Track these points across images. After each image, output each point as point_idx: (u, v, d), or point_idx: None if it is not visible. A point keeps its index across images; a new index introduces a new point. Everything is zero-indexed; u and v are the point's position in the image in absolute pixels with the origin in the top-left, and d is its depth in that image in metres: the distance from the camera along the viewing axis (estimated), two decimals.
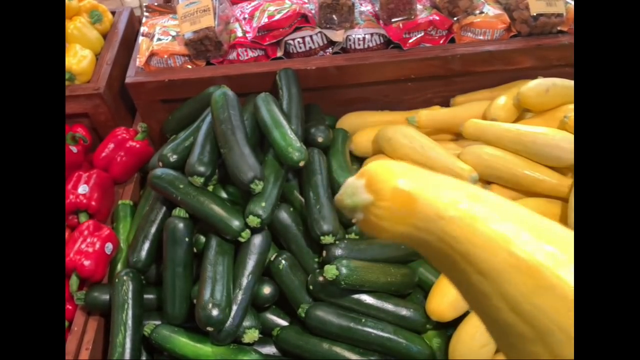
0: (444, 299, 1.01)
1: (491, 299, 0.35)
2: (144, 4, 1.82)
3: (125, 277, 1.03)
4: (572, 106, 1.15)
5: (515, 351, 0.36)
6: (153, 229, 1.09)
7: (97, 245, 1.06)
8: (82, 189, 1.18)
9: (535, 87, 1.16)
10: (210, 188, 1.09)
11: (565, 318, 0.33)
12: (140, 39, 1.38)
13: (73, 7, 1.44)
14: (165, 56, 1.30)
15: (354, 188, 0.39)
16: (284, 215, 1.07)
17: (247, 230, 1.00)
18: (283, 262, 1.04)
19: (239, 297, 0.97)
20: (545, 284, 0.33)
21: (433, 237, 0.37)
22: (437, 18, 1.27)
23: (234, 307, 0.96)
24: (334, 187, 1.11)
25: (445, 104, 1.37)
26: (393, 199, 0.37)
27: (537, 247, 0.34)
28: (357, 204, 0.39)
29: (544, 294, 0.33)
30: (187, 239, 1.02)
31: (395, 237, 0.39)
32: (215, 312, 0.91)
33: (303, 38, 1.30)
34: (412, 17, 1.28)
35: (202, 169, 1.03)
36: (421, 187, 0.38)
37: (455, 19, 1.29)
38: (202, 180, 1.03)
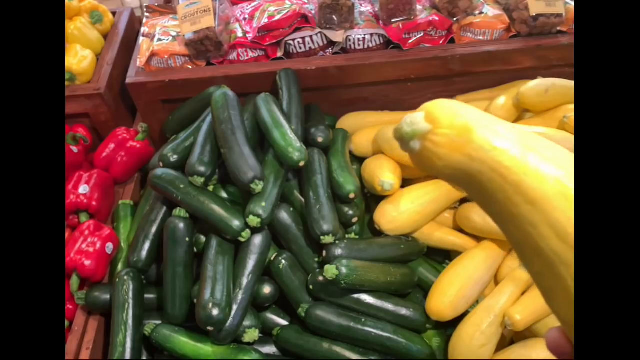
0: (444, 298, 1.01)
1: (538, 227, 0.37)
2: (145, 5, 1.83)
3: (125, 277, 1.03)
4: (571, 106, 1.15)
5: (560, 281, 0.37)
6: (153, 229, 1.10)
7: (98, 245, 1.06)
8: (83, 189, 1.19)
9: (534, 87, 1.16)
10: (210, 188, 1.10)
11: None
12: (141, 39, 1.38)
13: (73, 8, 1.44)
14: (166, 56, 1.30)
15: (414, 118, 0.41)
16: (284, 215, 1.07)
17: (247, 230, 1.00)
18: (283, 262, 1.04)
19: (239, 296, 0.98)
20: None
21: (486, 167, 0.39)
22: (437, 18, 1.28)
23: (234, 307, 0.96)
24: (334, 187, 1.11)
25: None
26: (451, 127, 0.40)
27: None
28: (416, 131, 0.41)
29: None
30: (187, 239, 1.03)
31: (449, 166, 0.41)
32: (215, 312, 0.92)
33: (303, 38, 1.30)
34: (412, 17, 1.28)
35: (202, 169, 1.03)
36: (477, 120, 0.40)
37: (454, 19, 1.29)
38: (202, 180, 1.03)
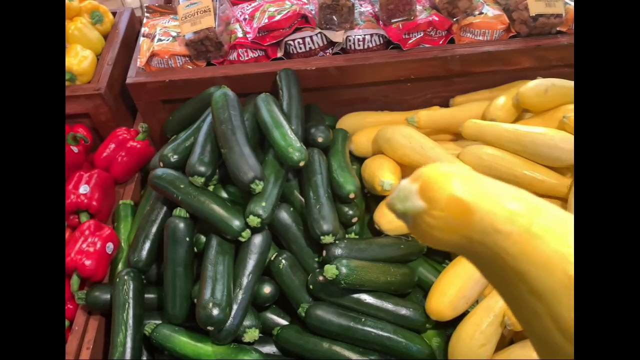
0: (444, 298, 1.01)
1: (542, 318, 0.34)
2: (145, 5, 1.83)
3: (126, 277, 1.03)
4: (571, 106, 1.15)
5: None
6: (154, 229, 1.10)
7: (98, 245, 1.06)
8: (83, 189, 1.19)
9: (534, 87, 1.17)
10: (210, 188, 1.10)
11: None
12: (141, 39, 1.39)
13: (74, 8, 1.45)
14: (166, 57, 1.30)
15: (407, 192, 0.36)
16: (284, 215, 1.07)
17: (248, 230, 1.00)
18: (283, 261, 1.04)
19: (240, 296, 0.98)
20: None
21: (488, 251, 0.35)
22: (437, 19, 1.28)
23: (235, 307, 0.96)
24: (334, 187, 1.11)
25: (445, 104, 1.37)
26: (448, 209, 0.35)
27: None
28: (408, 210, 0.36)
29: None
30: (187, 239, 1.03)
31: (447, 247, 0.38)
32: (215, 312, 0.92)
33: (303, 39, 1.30)
34: (412, 17, 1.28)
35: (202, 169, 1.03)
36: (479, 197, 0.35)
37: (454, 19, 1.30)
38: (202, 180, 1.04)
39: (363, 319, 1.00)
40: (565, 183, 1.10)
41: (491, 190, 0.36)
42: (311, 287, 1.03)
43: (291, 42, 1.31)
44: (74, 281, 1.05)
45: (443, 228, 0.35)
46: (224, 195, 1.12)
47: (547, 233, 0.34)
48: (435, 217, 0.35)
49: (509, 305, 0.38)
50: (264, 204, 1.00)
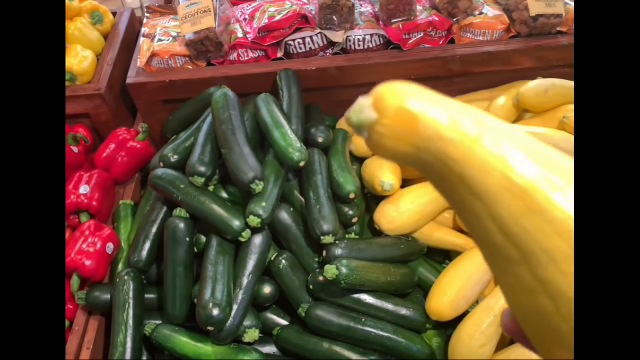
0: (444, 298, 1.01)
1: (482, 219, 0.36)
2: (145, 5, 1.83)
3: (126, 277, 1.03)
4: (571, 106, 1.15)
5: (503, 272, 0.37)
6: (154, 229, 1.10)
7: (98, 245, 1.07)
8: (83, 189, 1.19)
9: (534, 87, 1.17)
10: (210, 188, 1.10)
11: (551, 240, 0.33)
12: (141, 39, 1.39)
13: (74, 8, 1.45)
14: (166, 57, 1.30)
15: (361, 106, 0.40)
16: (284, 215, 1.07)
17: (248, 230, 1.00)
18: (283, 261, 1.04)
19: (239, 296, 0.98)
20: (535, 207, 0.34)
21: (432, 157, 0.37)
22: (437, 19, 1.28)
23: (235, 307, 0.96)
24: (334, 187, 1.11)
25: None
26: (395, 117, 0.37)
27: (532, 171, 0.35)
28: (362, 120, 0.39)
29: (532, 217, 0.34)
30: (187, 239, 1.03)
31: (397, 156, 0.39)
32: (215, 312, 0.92)
33: (303, 39, 1.30)
34: (412, 17, 1.28)
35: (202, 169, 1.04)
36: (425, 108, 0.37)
37: (454, 19, 1.30)
38: (202, 180, 1.04)
39: (363, 319, 1.00)
40: None
41: (438, 102, 0.38)
42: (311, 287, 1.03)
43: (291, 42, 1.31)
44: (74, 281, 1.05)
45: (392, 136, 0.38)
46: (224, 195, 1.12)
47: (485, 138, 0.37)
48: (385, 125, 0.38)
49: (456, 210, 0.39)
50: (264, 204, 1.00)
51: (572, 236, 0.33)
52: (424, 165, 0.38)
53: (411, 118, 0.37)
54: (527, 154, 0.36)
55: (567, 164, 0.37)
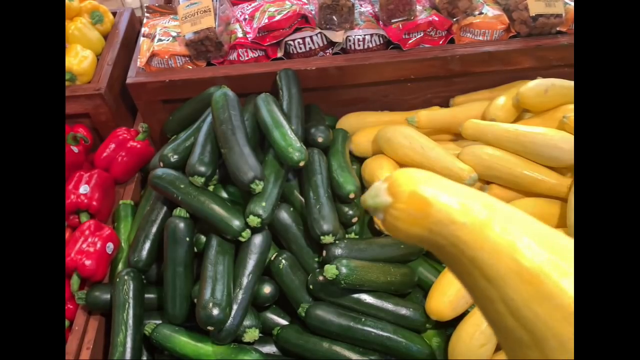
0: (444, 298, 1.01)
1: (495, 303, 0.37)
2: (145, 5, 1.83)
3: (126, 277, 1.03)
4: (571, 106, 1.15)
5: (514, 354, 0.37)
6: (154, 229, 1.10)
7: (98, 245, 1.07)
8: (83, 189, 1.19)
9: (534, 87, 1.17)
10: (210, 188, 1.10)
11: (561, 326, 0.34)
12: (141, 39, 1.39)
13: (74, 8, 1.45)
14: (166, 57, 1.30)
15: (377, 190, 0.42)
16: (284, 215, 1.07)
17: (248, 230, 1.00)
18: (283, 261, 1.04)
19: (240, 296, 0.98)
20: (545, 292, 0.35)
21: (445, 241, 0.39)
22: (437, 19, 1.28)
23: (235, 307, 0.96)
24: (334, 187, 1.11)
25: (445, 104, 1.37)
26: (409, 202, 0.40)
27: (540, 256, 0.36)
28: (377, 204, 0.42)
29: (542, 302, 0.35)
30: (187, 239, 1.03)
31: (410, 238, 0.41)
32: (215, 312, 0.92)
33: (303, 39, 1.30)
34: (412, 17, 1.28)
35: (202, 169, 1.04)
36: (437, 194, 0.40)
37: (454, 19, 1.30)
38: (202, 180, 1.04)
39: (363, 319, 1.00)
40: (564, 183, 1.10)
41: (449, 188, 0.41)
42: (311, 287, 1.03)
43: (291, 42, 1.31)
44: (74, 281, 1.05)
45: (406, 219, 0.40)
46: (224, 195, 1.12)
47: (496, 223, 0.38)
48: (399, 209, 0.40)
49: (468, 291, 0.41)
50: (264, 204, 1.00)
51: None
52: (437, 247, 0.41)
53: (424, 203, 0.39)
54: (535, 239, 0.37)
55: (570, 247, 0.37)
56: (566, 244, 0.38)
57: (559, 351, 0.34)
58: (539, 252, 0.36)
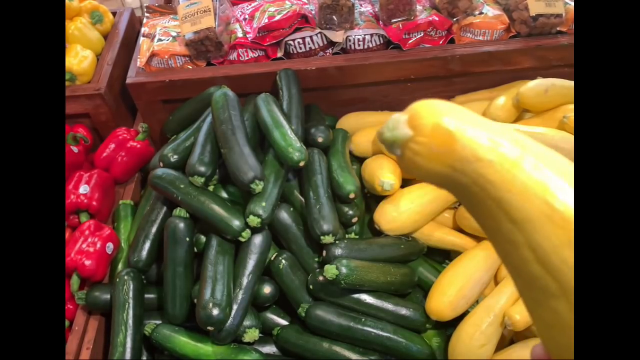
0: (444, 298, 1.01)
1: (520, 248, 0.34)
2: (145, 5, 1.83)
3: (126, 277, 1.03)
4: (571, 106, 1.15)
5: (538, 305, 0.35)
6: (154, 229, 1.10)
7: (98, 245, 1.07)
8: (83, 189, 1.19)
9: (534, 87, 1.17)
10: (210, 188, 1.10)
11: None
12: (141, 39, 1.39)
13: (74, 8, 1.45)
14: (166, 57, 1.30)
15: (396, 122, 0.38)
16: (284, 215, 1.07)
17: (248, 230, 1.00)
18: (283, 261, 1.04)
19: (240, 296, 0.98)
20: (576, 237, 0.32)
21: (469, 180, 0.36)
22: (437, 19, 1.28)
23: (235, 307, 0.96)
24: (334, 187, 1.11)
25: None
26: (432, 136, 0.36)
27: (573, 198, 0.33)
28: (396, 137, 0.38)
29: (573, 248, 0.32)
30: (187, 239, 1.03)
31: (430, 176, 0.38)
32: (215, 312, 0.92)
33: (303, 39, 1.30)
34: (412, 17, 1.28)
35: (202, 169, 1.04)
36: (463, 127, 0.36)
37: (454, 19, 1.30)
38: (202, 180, 1.04)
39: (363, 319, 1.00)
40: None
41: (476, 123, 0.37)
42: (311, 287, 1.03)
43: (291, 42, 1.31)
44: (74, 281, 1.05)
45: (427, 155, 0.37)
46: (224, 195, 1.12)
47: (527, 162, 0.35)
48: (420, 143, 0.36)
49: (490, 237, 0.38)
50: (264, 204, 1.00)
51: None
52: (459, 187, 0.37)
53: (448, 137, 0.36)
54: (569, 182, 0.34)
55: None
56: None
57: None
58: (573, 196, 0.33)
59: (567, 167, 0.36)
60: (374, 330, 0.99)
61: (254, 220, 0.99)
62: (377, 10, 1.32)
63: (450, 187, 0.38)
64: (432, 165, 0.37)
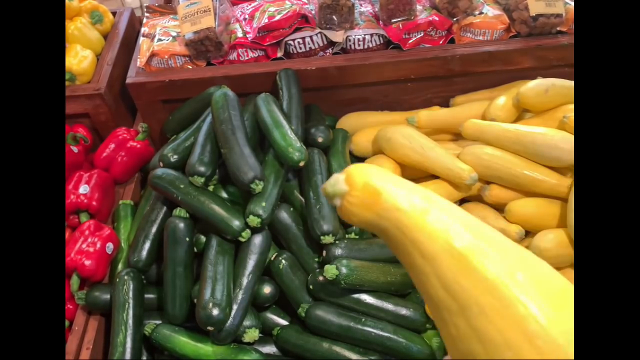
0: None
1: (429, 277, 0.44)
2: (145, 5, 1.83)
3: (125, 277, 1.03)
4: (571, 106, 1.15)
5: (444, 323, 0.44)
6: (154, 229, 1.10)
7: (98, 245, 1.06)
8: (83, 189, 1.19)
9: (534, 87, 1.17)
10: (210, 188, 1.10)
11: (482, 295, 0.40)
12: (141, 39, 1.39)
13: (74, 8, 1.45)
14: (166, 56, 1.30)
15: (336, 180, 0.49)
16: (284, 215, 1.07)
17: (248, 230, 1.00)
18: (283, 261, 1.04)
19: (239, 296, 0.98)
20: (470, 268, 0.42)
21: (391, 225, 0.47)
22: (437, 19, 1.28)
23: (235, 307, 0.96)
24: None
25: (445, 104, 1.37)
26: (363, 190, 0.47)
27: (467, 239, 0.43)
28: (336, 191, 0.49)
29: (468, 276, 0.42)
30: (187, 239, 1.03)
31: (362, 222, 0.49)
32: (215, 312, 0.92)
33: (303, 38, 1.30)
34: (412, 17, 1.28)
35: (202, 169, 1.03)
36: (386, 185, 0.47)
37: (454, 19, 1.30)
38: (202, 180, 1.04)
39: (363, 319, 1.00)
40: (565, 183, 1.10)
41: (397, 183, 0.48)
42: (311, 287, 1.03)
43: (291, 42, 1.31)
44: (74, 281, 1.05)
45: (360, 205, 0.48)
46: (224, 195, 1.12)
47: (434, 212, 0.46)
48: (354, 196, 0.48)
49: (408, 270, 0.48)
50: (264, 204, 1.00)
51: (500, 293, 0.40)
52: (384, 230, 0.48)
53: (375, 192, 0.47)
54: (464, 226, 0.44)
55: (496, 235, 0.45)
56: (487, 230, 0.45)
57: (480, 317, 0.40)
58: (466, 236, 0.43)
59: (463, 216, 0.46)
60: (374, 330, 0.99)
61: (254, 220, 0.99)
62: (377, 10, 1.32)
63: (377, 230, 0.48)
64: (363, 213, 0.48)
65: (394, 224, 0.46)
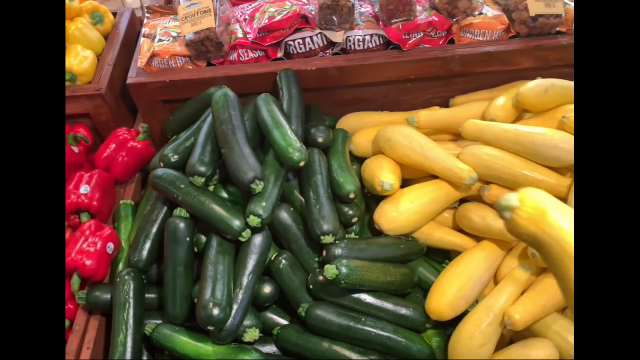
0: (443, 298, 1.02)
1: (570, 272, 0.50)
2: (145, 5, 1.83)
3: (126, 277, 1.04)
4: (570, 106, 1.15)
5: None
6: (154, 229, 1.10)
7: (99, 245, 1.07)
8: (84, 189, 1.19)
9: (534, 87, 1.17)
10: (210, 188, 1.10)
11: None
12: (142, 39, 1.39)
13: (74, 8, 1.45)
14: (166, 57, 1.30)
15: (510, 196, 0.58)
16: (284, 215, 1.07)
17: (248, 230, 1.01)
18: (283, 261, 1.04)
19: (240, 296, 0.98)
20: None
21: (552, 240, 0.54)
22: (437, 19, 1.28)
23: (235, 307, 0.96)
24: (334, 187, 1.11)
25: (445, 104, 1.37)
26: (533, 208, 0.56)
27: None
28: (509, 205, 0.57)
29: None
30: (187, 239, 1.03)
31: (526, 234, 0.56)
32: (216, 312, 0.92)
33: (303, 39, 1.31)
34: (412, 18, 1.28)
35: (202, 169, 1.04)
36: (553, 207, 0.56)
37: (454, 20, 1.30)
38: (202, 180, 1.04)
39: (363, 319, 1.00)
40: (564, 183, 1.10)
41: (560, 206, 0.56)
42: (311, 287, 1.03)
43: (291, 43, 1.31)
44: (75, 281, 1.06)
45: (527, 219, 0.56)
46: (224, 195, 1.12)
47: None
48: (524, 211, 0.56)
49: (560, 283, 0.56)
50: (264, 204, 1.00)
51: None
52: (544, 244, 0.55)
53: (543, 211, 0.56)
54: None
55: None
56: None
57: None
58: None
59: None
60: (374, 330, 0.99)
61: (254, 220, 0.99)
62: (377, 10, 1.32)
63: (536, 243, 0.56)
64: (529, 226, 0.56)
65: (556, 240, 0.54)
